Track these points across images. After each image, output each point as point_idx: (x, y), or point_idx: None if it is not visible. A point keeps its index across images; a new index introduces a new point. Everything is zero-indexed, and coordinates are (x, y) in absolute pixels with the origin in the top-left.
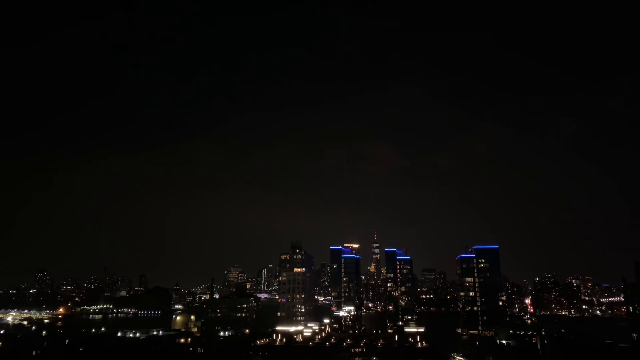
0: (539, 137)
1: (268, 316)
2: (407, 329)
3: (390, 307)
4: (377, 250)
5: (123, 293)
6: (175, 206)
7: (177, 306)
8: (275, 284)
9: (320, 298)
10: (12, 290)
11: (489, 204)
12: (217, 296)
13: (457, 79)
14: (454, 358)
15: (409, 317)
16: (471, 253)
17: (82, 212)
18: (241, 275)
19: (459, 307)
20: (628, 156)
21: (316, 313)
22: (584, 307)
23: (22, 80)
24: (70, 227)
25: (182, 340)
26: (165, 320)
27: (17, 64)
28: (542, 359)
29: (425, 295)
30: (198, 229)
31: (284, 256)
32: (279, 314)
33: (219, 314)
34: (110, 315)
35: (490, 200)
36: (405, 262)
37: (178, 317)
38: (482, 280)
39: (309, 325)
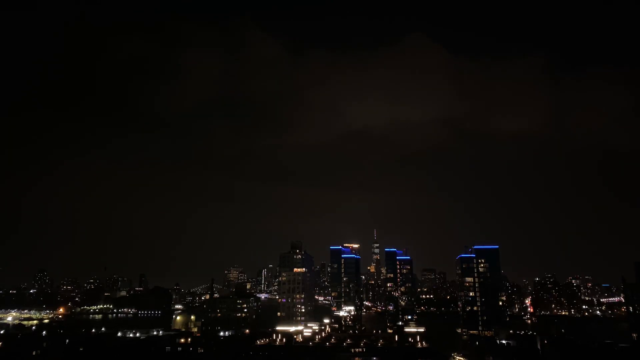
0: (536, 136)
1: (268, 316)
2: (407, 329)
3: (390, 307)
4: (377, 250)
5: (123, 293)
6: (175, 206)
7: (177, 306)
8: (275, 284)
9: (320, 298)
10: (12, 290)
11: (489, 204)
12: (217, 296)
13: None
14: (454, 358)
15: (409, 317)
16: (471, 253)
17: (83, 212)
18: (241, 275)
19: (459, 307)
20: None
21: (316, 313)
22: (584, 307)
23: None
24: (70, 227)
25: (182, 340)
26: (166, 320)
27: None
28: (542, 359)
29: (426, 295)
30: (198, 229)
31: (284, 256)
32: (279, 314)
33: (219, 314)
34: (110, 315)
35: (490, 200)
36: (405, 262)
37: (178, 317)
38: (482, 280)
39: (309, 325)
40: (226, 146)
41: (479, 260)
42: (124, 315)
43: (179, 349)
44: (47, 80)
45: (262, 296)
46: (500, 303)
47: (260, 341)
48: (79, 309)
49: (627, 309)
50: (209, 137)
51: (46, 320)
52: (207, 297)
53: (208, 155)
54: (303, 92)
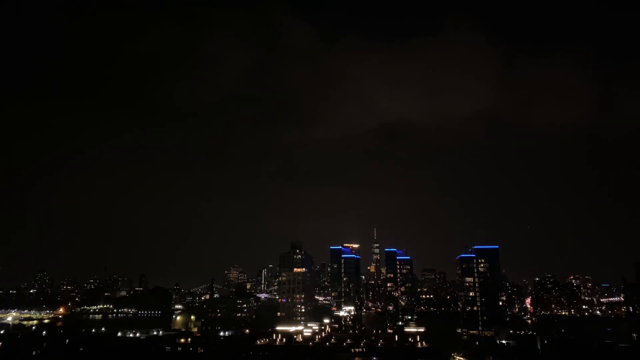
0: (537, 138)
1: (268, 316)
2: (407, 329)
3: (390, 307)
4: (377, 250)
5: (123, 293)
6: (175, 206)
7: (177, 306)
8: (275, 284)
9: (320, 298)
10: (12, 290)
11: (489, 204)
12: (217, 296)
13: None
14: (454, 358)
15: (409, 317)
16: (471, 253)
17: (83, 211)
18: (241, 275)
19: (459, 307)
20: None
21: (316, 313)
22: (584, 307)
23: None
24: (70, 226)
25: (182, 340)
26: (165, 320)
27: None
28: (542, 359)
29: (425, 295)
30: (198, 229)
31: (284, 256)
32: (279, 314)
33: (219, 314)
34: (110, 315)
35: (490, 200)
36: (405, 262)
37: (178, 317)
38: (482, 280)
39: (309, 325)
40: (243, 142)
41: (479, 260)
42: (124, 315)
43: (179, 349)
44: (62, 71)
45: (262, 296)
46: (500, 303)
47: (260, 341)
48: (79, 309)
49: (627, 309)
50: (227, 132)
51: (46, 320)
52: (207, 297)
53: (221, 152)
54: (334, 83)
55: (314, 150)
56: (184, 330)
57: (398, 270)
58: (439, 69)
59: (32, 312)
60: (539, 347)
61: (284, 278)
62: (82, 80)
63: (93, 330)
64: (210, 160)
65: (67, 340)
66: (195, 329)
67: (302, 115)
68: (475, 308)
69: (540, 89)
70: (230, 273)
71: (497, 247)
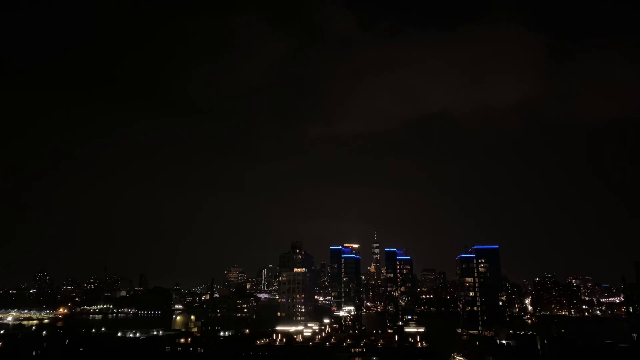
0: (540, 138)
1: (268, 316)
2: (407, 329)
3: (390, 307)
4: (377, 250)
5: (123, 293)
6: (175, 206)
7: (177, 306)
8: (275, 284)
9: (320, 298)
10: (12, 290)
11: (489, 204)
12: (217, 296)
13: None
14: (454, 358)
15: (409, 317)
16: (471, 253)
17: (82, 212)
18: (241, 275)
19: (459, 307)
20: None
21: (316, 313)
22: (584, 307)
23: None
24: (70, 227)
25: (182, 340)
26: (166, 320)
27: None
28: (542, 359)
29: (425, 295)
30: (198, 229)
31: (284, 256)
32: (279, 314)
33: (219, 314)
34: (110, 315)
35: (490, 200)
36: (405, 262)
37: (178, 317)
38: (482, 280)
39: (309, 325)
40: (257, 138)
41: (479, 260)
42: (124, 315)
43: (179, 349)
44: (70, 63)
45: (262, 296)
46: (500, 303)
47: (260, 341)
48: (79, 309)
49: (627, 309)
50: (248, 126)
51: (46, 320)
52: (207, 297)
53: (231, 149)
54: (366, 75)
55: (320, 150)
56: (184, 330)
57: (398, 270)
58: (480, 58)
59: (32, 312)
60: (539, 347)
61: (284, 278)
62: (91, 73)
63: (93, 330)
64: (216, 158)
65: (67, 340)
66: (195, 329)
67: (322, 111)
68: (475, 308)
69: (583, 81)
70: (230, 273)
71: (497, 247)
